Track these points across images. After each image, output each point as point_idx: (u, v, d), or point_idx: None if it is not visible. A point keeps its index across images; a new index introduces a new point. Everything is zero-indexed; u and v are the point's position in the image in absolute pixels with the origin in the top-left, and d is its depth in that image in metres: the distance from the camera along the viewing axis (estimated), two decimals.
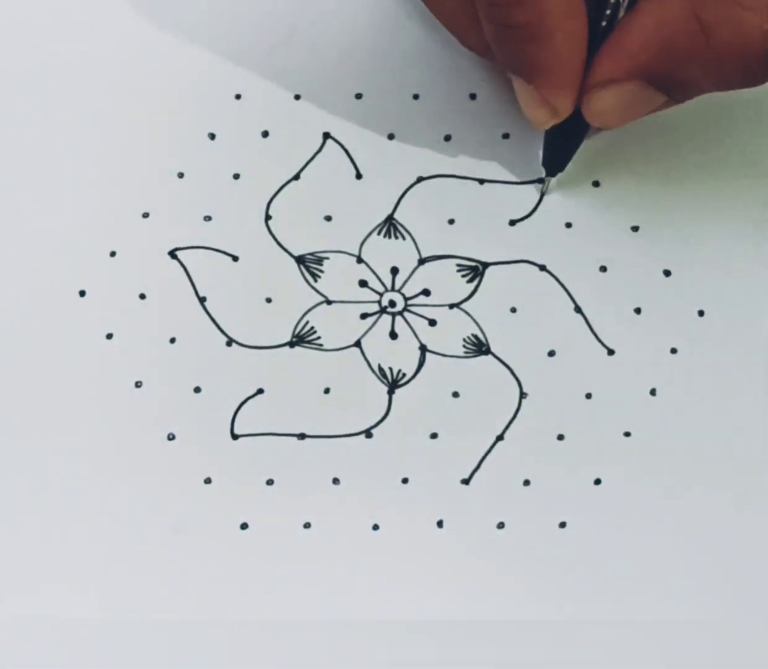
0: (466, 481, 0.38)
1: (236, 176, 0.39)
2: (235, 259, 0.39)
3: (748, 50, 0.31)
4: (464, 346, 0.39)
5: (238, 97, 0.39)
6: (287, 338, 0.38)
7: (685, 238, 0.39)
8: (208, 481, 0.37)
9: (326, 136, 0.39)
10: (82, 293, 0.38)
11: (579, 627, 0.37)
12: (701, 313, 0.39)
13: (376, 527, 0.38)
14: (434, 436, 0.38)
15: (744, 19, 0.31)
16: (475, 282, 0.39)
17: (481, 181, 0.39)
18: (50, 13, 0.39)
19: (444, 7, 0.36)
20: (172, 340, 0.38)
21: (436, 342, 0.39)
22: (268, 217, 0.39)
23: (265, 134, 0.39)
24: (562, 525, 0.38)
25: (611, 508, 0.38)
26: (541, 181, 0.39)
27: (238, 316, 0.38)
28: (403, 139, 0.39)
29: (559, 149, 0.38)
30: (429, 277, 0.39)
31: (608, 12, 0.34)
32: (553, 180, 0.39)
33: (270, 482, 0.38)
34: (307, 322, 0.39)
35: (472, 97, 0.39)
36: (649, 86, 0.34)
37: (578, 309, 0.39)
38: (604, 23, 0.34)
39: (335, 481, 0.38)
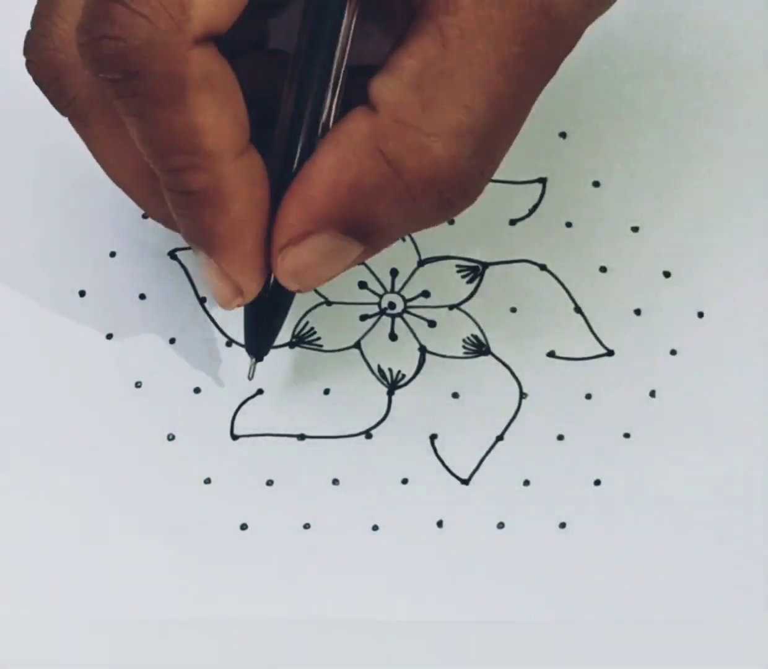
0: (466, 482, 0.38)
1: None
2: None
3: (439, 179, 0.29)
4: (464, 347, 0.39)
5: None
6: (287, 339, 0.38)
7: (685, 238, 0.39)
8: (207, 481, 0.37)
9: None
10: (82, 293, 0.38)
11: (579, 627, 0.37)
12: (701, 314, 0.39)
13: (375, 528, 0.38)
14: (434, 436, 0.38)
15: (428, 147, 0.28)
16: (475, 282, 0.39)
17: None
18: None
19: (124, 176, 0.33)
20: (172, 341, 0.38)
21: (435, 343, 0.39)
22: None
23: None
24: (562, 525, 0.38)
25: (611, 508, 0.38)
26: (541, 180, 0.39)
27: (238, 316, 0.38)
28: None
29: (260, 329, 0.34)
30: (428, 279, 0.39)
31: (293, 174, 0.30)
32: (255, 364, 0.36)
33: (270, 483, 0.38)
34: (307, 323, 0.39)
35: None
36: (344, 236, 0.30)
37: (578, 309, 0.39)
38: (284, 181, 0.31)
39: (335, 481, 0.38)
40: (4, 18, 0.39)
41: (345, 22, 0.30)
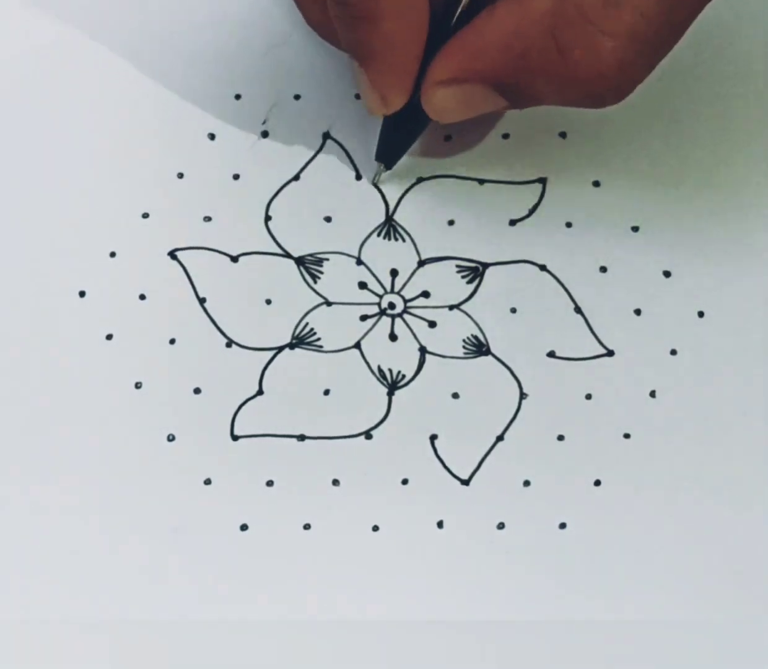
0: (466, 482, 0.38)
1: (236, 177, 0.39)
2: (234, 259, 0.39)
3: (600, 75, 0.31)
4: (464, 347, 0.39)
5: (237, 97, 0.39)
6: (287, 339, 0.38)
7: (685, 238, 0.39)
8: (208, 481, 0.37)
9: (326, 136, 0.39)
10: (82, 294, 0.38)
11: (579, 627, 0.37)
12: (701, 314, 0.39)
13: (376, 528, 0.38)
14: (434, 436, 0.38)
15: (600, 44, 0.30)
16: (475, 283, 0.39)
17: (481, 181, 0.39)
18: (51, 14, 0.39)
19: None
20: (172, 341, 0.38)
21: (435, 343, 0.39)
22: (267, 218, 0.39)
23: (265, 134, 0.39)
24: (562, 526, 0.38)
25: (611, 508, 0.38)
26: (541, 180, 0.39)
27: (238, 317, 0.38)
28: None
29: (394, 140, 0.37)
30: (429, 279, 0.39)
31: (459, 11, 0.33)
32: (386, 173, 0.39)
33: (270, 483, 0.38)
34: (307, 324, 0.39)
35: None
36: (493, 90, 0.33)
37: (578, 309, 0.39)
38: (453, 21, 0.33)
39: (335, 482, 0.38)
40: (4, 19, 0.39)
41: None
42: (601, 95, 0.32)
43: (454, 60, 0.33)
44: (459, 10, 0.33)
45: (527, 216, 0.39)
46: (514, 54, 0.31)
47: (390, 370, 0.38)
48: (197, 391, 0.38)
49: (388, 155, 0.38)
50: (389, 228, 0.39)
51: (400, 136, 0.37)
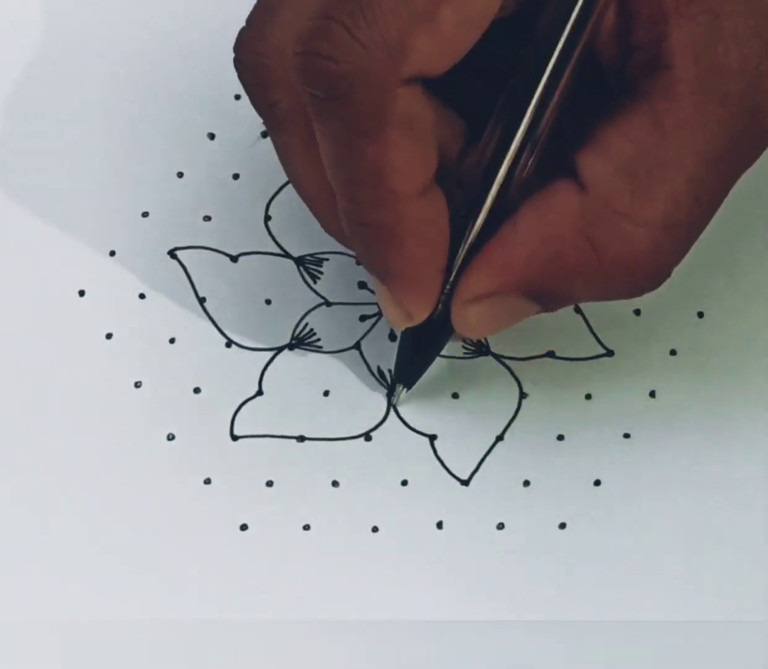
0: (465, 482, 0.38)
1: (236, 176, 0.39)
2: (234, 259, 0.39)
3: (638, 267, 0.30)
4: (464, 347, 0.39)
5: (237, 97, 0.39)
6: (287, 339, 0.38)
7: None
8: (207, 481, 0.37)
9: None
10: (82, 293, 0.38)
11: (579, 627, 0.37)
12: (701, 314, 0.39)
13: (375, 529, 0.37)
14: (434, 437, 0.38)
15: (634, 236, 0.30)
16: None
17: None
18: (51, 13, 0.39)
19: (309, 190, 0.33)
20: (172, 341, 0.38)
21: None
22: (267, 218, 0.39)
23: (265, 134, 0.39)
24: (562, 526, 0.38)
25: (611, 508, 0.38)
26: None
27: (238, 316, 0.38)
28: None
29: (414, 358, 0.36)
30: None
31: (479, 221, 0.31)
32: (404, 392, 0.38)
33: (270, 483, 0.37)
34: (307, 324, 0.39)
35: None
36: (527, 299, 0.32)
37: (578, 309, 0.39)
38: (473, 232, 0.32)
39: (335, 483, 0.38)
40: (4, 18, 0.39)
41: (564, 78, 0.30)
42: (640, 286, 0.31)
43: (484, 276, 0.31)
44: (480, 220, 0.31)
45: None
46: (546, 260, 0.30)
47: (390, 371, 0.38)
48: (197, 390, 0.38)
49: (408, 374, 0.37)
50: None
51: (421, 354, 0.36)
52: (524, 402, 0.38)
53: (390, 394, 0.38)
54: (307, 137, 0.31)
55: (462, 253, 0.32)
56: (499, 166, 0.31)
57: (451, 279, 0.32)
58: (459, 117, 0.33)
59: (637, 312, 0.39)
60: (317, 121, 0.29)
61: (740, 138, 0.29)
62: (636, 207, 0.29)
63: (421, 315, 0.33)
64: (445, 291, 0.33)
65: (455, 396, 0.38)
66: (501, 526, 0.37)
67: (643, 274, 0.31)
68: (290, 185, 0.38)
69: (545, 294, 0.32)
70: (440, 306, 0.33)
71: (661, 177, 0.29)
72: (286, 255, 0.39)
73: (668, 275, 0.31)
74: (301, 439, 0.38)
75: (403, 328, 0.34)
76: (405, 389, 0.37)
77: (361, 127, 0.28)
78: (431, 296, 0.32)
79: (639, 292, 0.31)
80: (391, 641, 0.37)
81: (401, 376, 0.37)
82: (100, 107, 0.39)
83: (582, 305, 0.39)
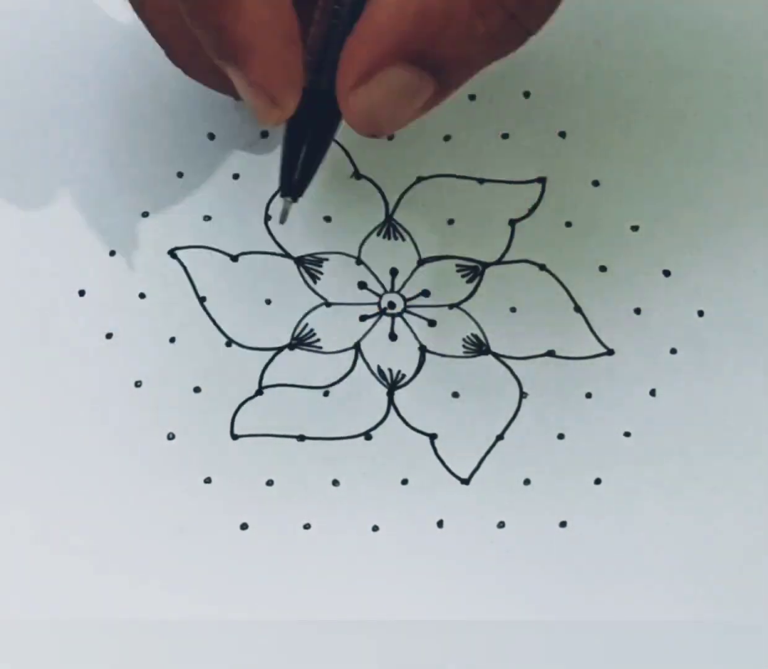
0: (466, 481, 0.38)
1: (236, 176, 0.39)
2: (234, 259, 0.39)
3: None
4: (464, 346, 0.39)
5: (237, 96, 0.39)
6: (286, 339, 0.38)
7: (685, 237, 0.39)
8: (208, 480, 0.37)
9: None
10: (82, 293, 0.38)
11: (579, 627, 0.37)
12: (701, 313, 0.39)
13: (375, 528, 0.37)
14: (434, 436, 0.38)
15: None
16: (475, 282, 0.39)
17: (481, 181, 0.39)
18: (51, 13, 0.39)
19: (159, 21, 0.32)
20: (172, 340, 0.38)
21: (435, 342, 0.39)
22: (267, 217, 0.39)
23: (265, 134, 0.39)
24: (563, 524, 0.38)
25: (611, 507, 0.38)
26: (541, 180, 0.39)
27: (238, 316, 0.38)
28: (403, 139, 0.39)
29: (298, 163, 0.32)
30: (428, 278, 0.39)
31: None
32: (294, 206, 0.34)
33: (270, 483, 0.38)
34: (307, 325, 0.39)
35: (472, 97, 0.39)
36: (415, 68, 0.29)
37: (578, 308, 0.39)
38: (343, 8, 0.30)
39: (335, 482, 0.38)
40: (4, 17, 0.39)
41: None
42: (513, 15, 0.28)
43: (359, 51, 0.29)
44: None
45: (527, 215, 0.39)
46: (413, 11, 0.28)
47: (390, 370, 0.38)
48: (197, 389, 0.38)
49: (294, 185, 0.33)
50: (389, 227, 0.39)
51: (304, 157, 0.32)
52: (524, 401, 0.38)
53: (390, 393, 0.38)
54: None
55: (335, 36, 0.30)
56: None
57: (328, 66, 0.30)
58: None
59: (638, 311, 0.39)
60: None
61: None
62: None
63: (286, 100, 0.30)
64: (322, 83, 0.30)
65: (455, 395, 0.38)
66: (501, 524, 0.37)
67: (517, 5, 0.28)
68: None
69: (428, 55, 0.29)
70: (315, 102, 0.31)
71: None
72: (286, 255, 0.39)
73: (549, 11, 0.29)
74: (301, 438, 0.38)
75: (273, 121, 0.31)
76: (292, 202, 0.33)
77: None
78: (292, 71, 0.30)
79: (518, 27, 0.29)
80: (391, 641, 0.37)
81: (286, 186, 0.33)
82: (100, 107, 0.39)
83: (582, 304, 0.39)
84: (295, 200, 0.33)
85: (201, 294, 0.38)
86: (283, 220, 0.34)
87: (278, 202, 0.38)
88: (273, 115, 0.30)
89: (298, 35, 0.29)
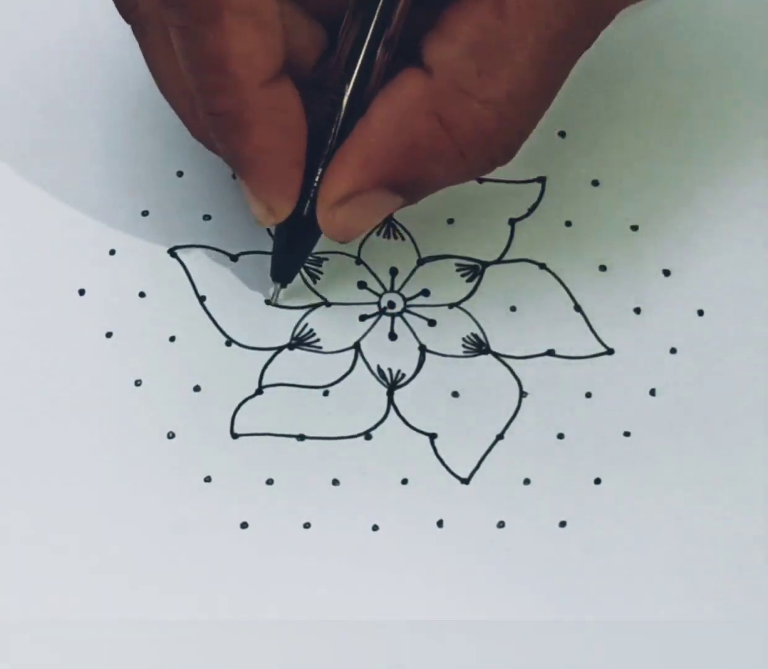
0: (466, 481, 0.38)
1: (236, 176, 0.39)
2: (234, 258, 0.39)
3: (489, 141, 0.31)
4: (464, 346, 0.39)
5: None
6: (286, 339, 0.38)
7: (684, 236, 0.39)
8: (207, 479, 0.37)
9: None
10: (82, 292, 0.38)
11: (579, 627, 0.37)
12: (701, 313, 0.39)
13: (375, 528, 0.37)
14: (434, 436, 0.38)
15: (482, 113, 0.31)
16: (475, 281, 0.39)
17: (481, 181, 0.39)
18: (51, 12, 0.39)
19: (172, 90, 0.34)
20: (172, 339, 0.38)
21: (435, 342, 0.39)
22: None
23: None
24: (563, 524, 0.37)
25: (612, 507, 0.38)
26: (540, 179, 0.39)
27: (238, 315, 0.38)
28: None
29: (288, 256, 0.36)
30: (428, 278, 0.39)
31: (338, 121, 0.32)
32: (282, 291, 0.38)
33: (270, 482, 0.37)
34: (306, 325, 0.39)
35: None
36: (391, 193, 0.32)
37: (578, 308, 0.39)
38: (333, 130, 0.32)
39: (335, 482, 0.38)
40: (4, 17, 0.40)
41: None
42: (493, 160, 0.32)
43: (344, 175, 0.32)
44: (339, 119, 0.32)
45: (527, 215, 0.39)
46: (401, 148, 0.31)
47: (390, 370, 0.38)
48: (197, 388, 0.38)
49: (284, 272, 0.37)
50: (389, 227, 0.39)
51: (293, 251, 0.36)
52: (524, 400, 0.38)
53: (390, 393, 0.38)
54: (167, 37, 0.32)
55: (325, 156, 0.33)
56: (356, 65, 0.32)
57: (316, 182, 0.33)
58: (320, 25, 0.33)
59: (637, 310, 0.39)
60: (164, 14, 0.30)
61: (577, 18, 0.30)
62: (482, 86, 0.30)
63: (282, 210, 0.33)
64: (312, 195, 0.33)
65: (455, 395, 0.38)
66: (501, 524, 0.37)
67: (495, 148, 0.32)
68: None
69: (408, 184, 0.32)
70: (307, 205, 0.33)
71: (502, 55, 0.30)
72: None
73: (517, 149, 0.32)
74: (301, 437, 0.38)
75: (268, 225, 0.35)
76: (281, 287, 0.38)
77: (200, 15, 0.29)
78: (289, 189, 0.33)
79: (492, 165, 0.33)
80: (391, 641, 0.37)
81: (277, 273, 0.37)
82: (100, 107, 0.39)
83: (582, 304, 0.39)
84: (284, 286, 0.37)
85: (201, 293, 0.38)
86: (274, 301, 0.38)
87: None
88: (267, 220, 0.34)
89: (302, 158, 0.32)
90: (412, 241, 0.39)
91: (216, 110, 0.31)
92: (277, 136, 0.32)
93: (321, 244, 0.38)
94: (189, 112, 0.34)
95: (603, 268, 0.39)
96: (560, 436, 0.38)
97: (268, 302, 0.38)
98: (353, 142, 0.32)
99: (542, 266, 0.39)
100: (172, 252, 0.39)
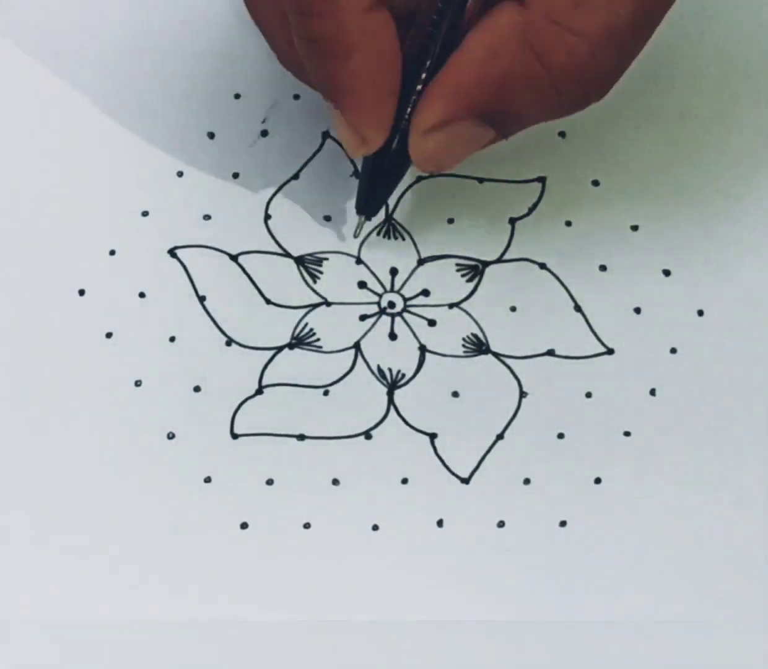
0: (466, 481, 0.38)
1: (236, 175, 0.39)
2: (234, 258, 0.39)
3: (583, 75, 0.31)
4: (464, 346, 0.39)
5: (237, 96, 0.39)
6: (286, 339, 0.38)
7: (684, 237, 0.39)
8: (208, 480, 0.37)
9: (325, 135, 0.39)
10: (82, 292, 0.38)
11: (579, 627, 0.37)
12: (700, 313, 0.39)
13: (375, 527, 0.37)
14: (434, 435, 0.38)
15: (576, 45, 0.31)
16: (475, 281, 0.39)
17: (481, 180, 0.39)
18: (50, 12, 0.39)
19: (265, 18, 0.34)
20: (172, 339, 0.38)
21: (435, 342, 0.39)
22: (267, 217, 0.39)
23: (265, 133, 0.39)
24: (563, 524, 0.38)
25: (611, 506, 0.38)
26: (541, 179, 0.39)
27: (238, 315, 0.38)
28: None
29: (374, 189, 0.36)
30: (428, 277, 0.39)
31: (434, 51, 0.32)
32: (367, 223, 0.38)
33: (270, 482, 0.37)
34: (306, 324, 0.39)
35: None
36: (482, 122, 0.32)
37: (578, 308, 0.39)
38: (428, 62, 0.33)
39: (335, 481, 0.38)
40: (5, 17, 0.40)
41: None
42: (587, 95, 0.32)
43: (438, 103, 0.32)
44: (435, 52, 0.32)
45: (527, 215, 0.39)
46: (494, 77, 0.31)
47: (390, 370, 0.38)
48: (197, 389, 0.38)
49: (369, 206, 0.37)
50: (389, 227, 0.39)
51: (380, 184, 0.36)
52: (524, 400, 0.38)
53: (390, 393, 0.38)
54: None
55: (418, 89, 0.33)
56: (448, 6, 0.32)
57: (409, 111, 0.33)
58: None
59: (638, 310, 0.39)
60: None
61: None
62: (577, 18, 0.30)
63: (374, 140, 0.33)
64: (403, 124, 0.33)
65: (455, 395, 0.38)
66: (501, 524, 0.37)
67: (589, 82, 0.32)
68: (290, 184, 0.39)
69: (499, 114, 0.32)
70: (397, 137, 0.33)
71: None
72: (286, 254, 0.39)
73: (611, 85, 0.32)
74: (301, 437, 0.38)
75: (359, 155, 0.34)
76: (366, 219, 0.37)
77: None
78: (383, 118, 0.33)
79: (586, 101, 0.32)
80: (391, 641, 0.37)
81: (363, 206, 0.37)
82: (100, 107, 0.39)
83: (582, 304, 0.39)
84: (368, 219, 0.37)
85: (201, 293, 0.38)
86: (356, 234, 0.38)
87: (279, 203, 0.38)
88: (360, 150, 0.34)
89: (397, 87, 0.32)
90: (412, 241, 0.39)
91: (315, 35, 0.31)
92: (375, 63, 0.32)
93: (321, 244, 0.39)
94: (282, 37, 0.34)
95: (603, 267, 0.39)
96: (560, 435, 0.38)
97: (355, 236, 0.38)
98: (447, 71, 0.32)
99: (542, 266, 0.39)
100: (172, 252, 0.39)
